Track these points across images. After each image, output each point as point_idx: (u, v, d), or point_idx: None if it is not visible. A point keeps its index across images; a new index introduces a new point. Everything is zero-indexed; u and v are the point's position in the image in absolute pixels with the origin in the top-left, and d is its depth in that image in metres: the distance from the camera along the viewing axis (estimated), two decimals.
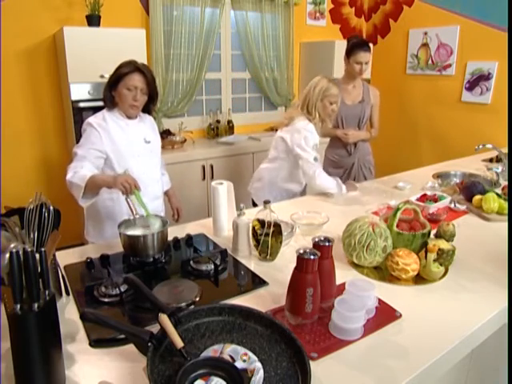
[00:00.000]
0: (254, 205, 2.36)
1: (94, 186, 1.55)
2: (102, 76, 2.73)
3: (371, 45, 2.57)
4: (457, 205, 1.92)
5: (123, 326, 0.90)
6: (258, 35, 3.91)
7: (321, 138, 2.28)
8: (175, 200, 2.17)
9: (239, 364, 0.86)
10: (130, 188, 1.44)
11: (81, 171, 1.59)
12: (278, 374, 0.85)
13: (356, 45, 2.50)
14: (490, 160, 2.95)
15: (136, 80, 1.70)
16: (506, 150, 2.58)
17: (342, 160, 2.72)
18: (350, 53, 2.52)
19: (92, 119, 1.74)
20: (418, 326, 1.06)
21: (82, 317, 0.88)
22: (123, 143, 1.77)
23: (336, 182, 2.13)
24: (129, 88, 1.70)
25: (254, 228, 1.42)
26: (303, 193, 2.43)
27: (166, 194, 2.10)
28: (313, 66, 4.24)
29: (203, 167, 3.37)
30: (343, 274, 1.27)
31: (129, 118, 1.80)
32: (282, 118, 2.35)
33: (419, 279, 1.28)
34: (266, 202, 1.40)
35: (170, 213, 2.15)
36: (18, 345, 0.79)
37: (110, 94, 1.75)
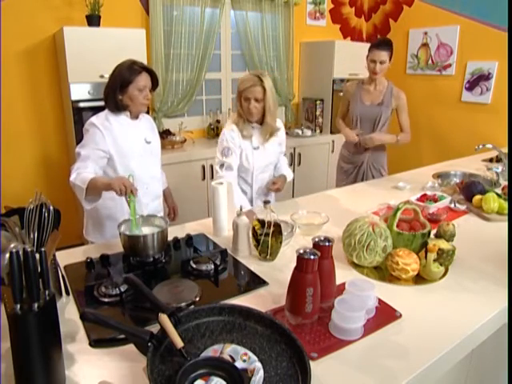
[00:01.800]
0: None
1: (94, 189, 1.55)
2: (101, 76, 2.73)
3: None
4: (457, 205, 1.92)
5: (123, 326, 0.90)
6: (257, 35, 3.92)
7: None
8: (171, 199, 2.20)
9: (239, 364, 0.86)
10: (125, 191, 1.44)
11: (83, 173, 1.59)
12: (278, 373, 0.85)
13: (373, 43, 2.53)
14: (490, 160, 2.95)
15: (144, 80, 1.74)
16: (506, 150, 2.59)
17: (352, 156, 2.78)
18: (368, 52, 2.55)
19: (94, 119, 1.74)
20: (418, 326, 1.06)
21: (82, 317, 0.88)
22: (126, 143, 1.77)
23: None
24: (140, 89, 1.73)
25: (254, 228, 1.42)
26: (253, 196, 2.19)
27: (162, 193, 2.11)
28: (313, 66, 4.23)
29: (203, 167, 3.37)
30: (343, 273, 1.27)
31: (132, 118, 1.81)
32: None
33: (419, 279, 1.28)
34: (266, 202, 1.40)
35: (166, 212, 2.17)
36: (18, 345, 0.79)
37: (117, 98, 1.75)
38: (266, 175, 2.16)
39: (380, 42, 2.53)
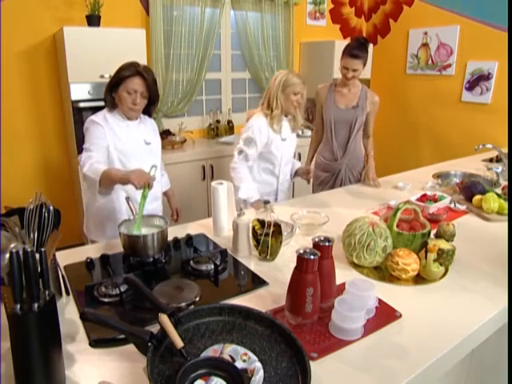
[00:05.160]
0: None
1: (108, 181, 1.55)
2: (101, 76, 2.74)
3: (371, 45, 2.49)
4: (457, 205, 1.92)
5: (123, 325, 0.90)
6: (258, 35, 3.92)
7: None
8: (174, 200, 2.17)
9: (239, 364, 0.86)
10: (143, 184, 1.44)
11: (95, 163, 1.59)
12: (278, 374, 0.85)
13: (346, 48, 2.32)
14: (490, 160, 2.95)
15: (136, 84, 1.70)
16: (506, 150, 2.59)
17: (329, 164, 2.59)
18: (342, 54, 2.36)
19: (94, 117, 1.75)
20: (418, 325, 1.06)
21: (82, 317, 0.88)
22: (125, 142, 1.77)
23: (246, 189, 2.03)
24: (128, 91, 1.70)
25: (254, 228, 1.42)
26: (282, 185, 2.30)
27: (165, 194, 2.11)
28: (313, 66, 4.23)
29: (203, 167, 3.38)
30: (343, 273, 1.27)
31: (129, 119, 1.81)
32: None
33: (419, 279, 1.28)
34: (266, 202, 1.40)
35: (168, 213, 2.15)
36: (18, 345, 0.79)
37: (111, 96, 1.76)
38: (288, 167, 2.31)
39: (354, 48, 2.28)
